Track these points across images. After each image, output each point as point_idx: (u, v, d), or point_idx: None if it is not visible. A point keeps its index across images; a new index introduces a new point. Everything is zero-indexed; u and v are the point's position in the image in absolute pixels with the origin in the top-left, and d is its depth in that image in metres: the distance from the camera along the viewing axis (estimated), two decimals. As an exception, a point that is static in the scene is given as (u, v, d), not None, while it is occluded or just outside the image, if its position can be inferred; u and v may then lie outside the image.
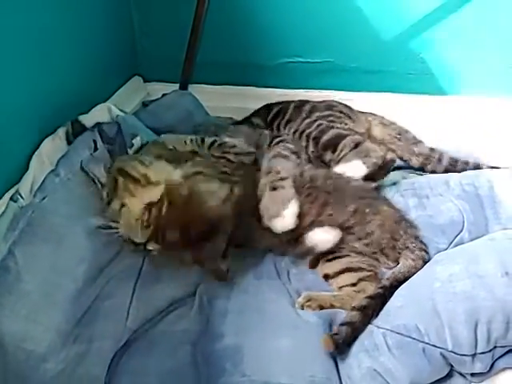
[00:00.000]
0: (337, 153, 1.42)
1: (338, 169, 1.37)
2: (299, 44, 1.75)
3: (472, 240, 1.21)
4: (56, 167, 1.28)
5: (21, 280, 1.09)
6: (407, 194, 1.38)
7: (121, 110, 1.54)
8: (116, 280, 1.21)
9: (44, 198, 1.20)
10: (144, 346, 1.13)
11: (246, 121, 1.66)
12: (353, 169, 1.34)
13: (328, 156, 1.44)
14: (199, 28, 1.67)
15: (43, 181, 1.24)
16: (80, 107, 1.52)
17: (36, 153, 1.31)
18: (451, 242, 1.24)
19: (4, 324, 1.05)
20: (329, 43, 1.72)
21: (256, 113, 1.67)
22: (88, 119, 1.42)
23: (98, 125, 1.40)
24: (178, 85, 1.81)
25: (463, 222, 1.27)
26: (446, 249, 1.22)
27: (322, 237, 1.23)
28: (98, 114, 1.45)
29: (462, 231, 1.25)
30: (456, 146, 1.60)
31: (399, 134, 1.57)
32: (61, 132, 1.37)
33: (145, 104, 1.81)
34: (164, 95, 1.73)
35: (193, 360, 1.10)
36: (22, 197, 1.23)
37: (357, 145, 1.40)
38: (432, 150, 1.53)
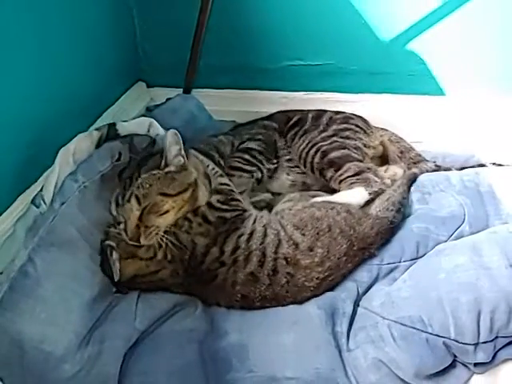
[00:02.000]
0: (339, 172, 1.44)
1: (340, 194, 1.39)
2: (300, 47, 1.76)
3: (472, 233, 1.23)
4: (75, 171, 1.27)
5: (40, 286, 1.11)
6: (411, 190, 1.40)
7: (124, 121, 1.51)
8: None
9: (63, 204, 1.21)
10: (152, 346, 1.15)
11: (254, 123, 1.67)
12: (355, 195, 1.36)
13: (330, 173, 1.46)
14: (202, 32, 1.68)
15: (62, 184, 1.24)
16: (84, 114, 1.54)
17: (63, 150, 1.29)
18: (451, 235, 1.25)
19: (24, 326, 1.06)
20: (330, 46, 1.73)
21: (270, 117, 1.68)
22: (124, 128, 1.40)
23: (131, 136, 1.39)
24: (181, 89, 1.82)
25: (464, 215, 1.28)
26: (445, 241, 1.24)
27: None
28: (135, 126, 1.43)
29: (462, 224, 1.26)
30: (458, 146, 1.63)
31: (401, 153, 1.60)
32: (95, 134, 1.35)
33: (149, 109, 1.82)
34: (168, 100, 1.75)
35: (200, 358, 1.12)
36: (44, 202, 1.22)
37: (360, 172, 1.43)
38: (435, 169, 1.54)
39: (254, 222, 1.26)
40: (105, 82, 1.71)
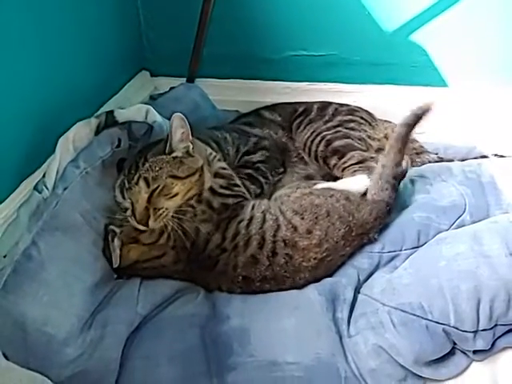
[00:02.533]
0: (343, 160, 1.47)
1: (342, 181, 1.39)
2: (304, 37, 1.76)
3: (473, 223, 1.23)
4: (77, 158, 1.28)
5: (44, 269, 1.12)
6: (413, 180, 1.41)
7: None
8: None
9: (65, 189, 1.22)
10: (154, 330, 1.16)
11: (255, 113, 1.68)
12: (357, 182, 1.36)
13: (333, 161, 1.48)
14: (206, 22, 1.69)
15: (64, 171, 1.25)
16: (88, 102, 1.55)
17: (62, 138, 1.29)
18: (453, 224, 1.26)
19: (27, 309, 1.07)
20: (333, 36, 1.74)
21: (272, 109, 1.69)
22: (122, 115, 1.40)
23: (129, 123, 1.39)
24: (184, 79, 1.83)
25: (465, 205, 1.29)
26: (447, 229, 1.25)
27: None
28: (133, 113, 1.43)
29: (463, 214, 1.27)
30: (460, 137, 1.64)
31: None
32: (93, 122, 1.35)
33: (153, 98, 1.83)
34: (172, 88, 1.76)
35: (201, 342, 1.13)
36: (46, 187, 1.23)
37: (363, 160, 1.45)
38: (437, 160, 1.55)
39: (253, 208, 1.27)
40: (109, 70, 1.72)
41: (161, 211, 1.20)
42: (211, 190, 1.28)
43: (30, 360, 1.04)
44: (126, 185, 1.22)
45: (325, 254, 1.20)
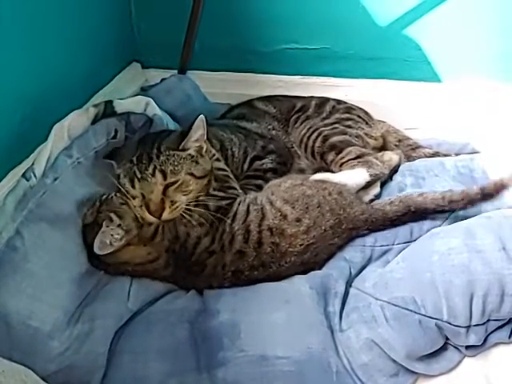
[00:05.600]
0: (341, 155, 1.46)
1: (341, 173, 1.39)
2: (296, 30, 1.75)
3: (466, 218, 1.22)
4: (70, 147, 1.26)
5: (28, 260, 1.10)
6: (405, 174, 1.41)
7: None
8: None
9: (56, 179, 1.20)
10: (143, 325, 1.15)
11: (248, 105, 1.68)
12: (356, 176, 1.37)
13: (331, 156, 1.48)
14: (198, 14, 1.67)
15: (55, 159, 1.23)
16: (77, 93, 1.53)
17: (57, 126, 1.27)
18: (446, 219, 1.25)
19: (10, 302, 1.05)
20: (326, 30, 1.72)
21: (265, 99, 1.69)
22: (121, 105, 1.39)
23: (128, 114, 1.38)
24: (176, 71, 1.81)
25: (458, 200, 1.28)
26: (440, 225, 1.24)
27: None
28: (133, 104, 1.42)
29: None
30: (453, 133, 1.63)
31: (399, 141, 1.61)
32: (91, 111, 1.34)
33: (144, 89, 1.81)
34: (163, 80, 1.74)
35: (191, 336, 1.12)
36: (35, 175, 1.20)
37: (361, 155, 1.44)
38: (433, 154, 1.55)
39: (239, 204, 1.26)
40: (99, 62, 1.69)
41: (177, 204, 1.20)
42: (206, 192, 1.28)
43: (13, 354, 1.02)
44: (138, 174, 1.19)
45: (311, 241, 1.20)
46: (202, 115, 1.24)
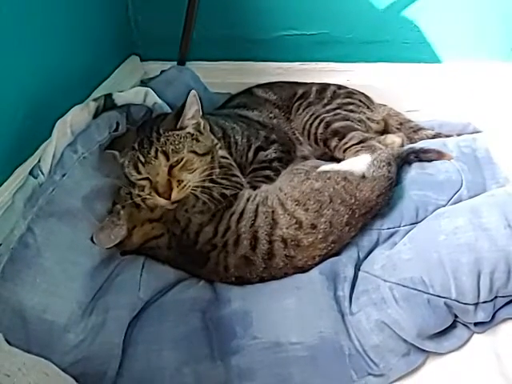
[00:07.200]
0: (344, 141, 1.47)
1: (346, 162, 1.38)
2: (294, 16, 1.75)
3: (471, 197, 1.23)
4: (74, 142, 1.26)
5: (40, 256, 1.11)
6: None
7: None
8: (126, 261, 1.26)
9: (64, 176, 1.21)
10: (156, 314, 1.16)
11: (248, 92, 1.68)
12: (361, 162, 1.35)
13: (334, 142, 1.49)
14: (195, 4, 1.66)
15: (61, 156, 1.23)
16: (78, 88, 1.52)
17: (60, 122, 1.26)
18: (450, 199, 1.26)
19: (25, 298, 1.06)
20: (323, 15, 1.72)
21: (266, 86, 1.69)
22: (121, 98, 1.39)
23: (128, 106, 1.38)
24: (175, 63, 1.80)
25: (461, 180, 1.29)
26: (445, 205, 1.25)
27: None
28: (132, 95, 1.41)
29: (460, 188, 1.27)
30: (454, 114, 1.63)
31: (400, 124, 1.61)
32: (92, 105, 1.33)
33: (144, 82, 1.81)
34: (163, 72, 1.73)
35: (204, 325, 1.13)
36: (42, 172, 1.21)
37: (364, 140, 1.45)
38: (435, 136, 1.55)
39: (248, 200, 1.25)
40: (97, 55, 1.69)
41: (184, 182, 1.21)
42: (211, 179, 1.28)
43: (31, 347, 1.03)
44: (142, 159, 1.21)
45: (330, 248, 1.18)
46: (193, 90, 1.24)
